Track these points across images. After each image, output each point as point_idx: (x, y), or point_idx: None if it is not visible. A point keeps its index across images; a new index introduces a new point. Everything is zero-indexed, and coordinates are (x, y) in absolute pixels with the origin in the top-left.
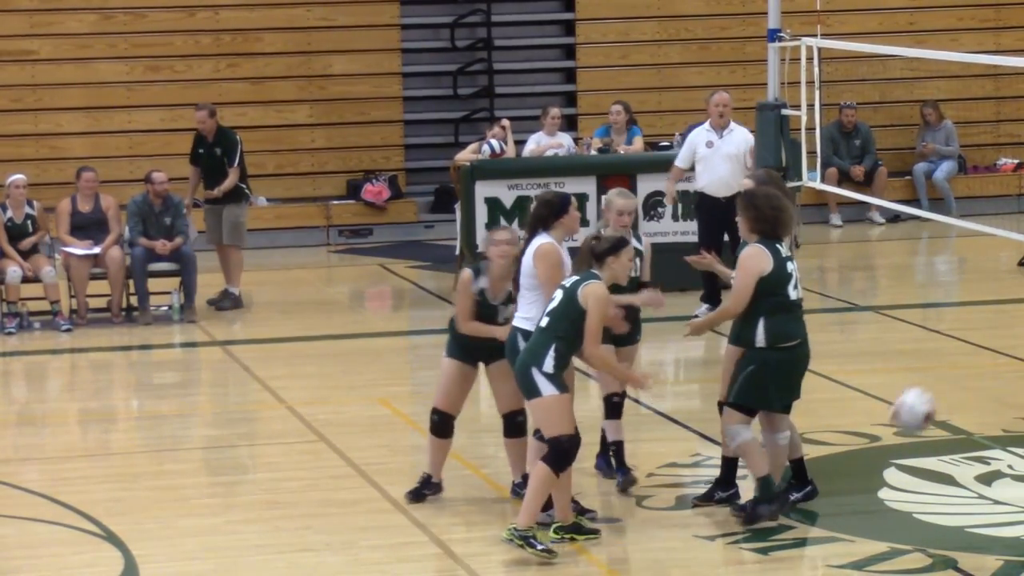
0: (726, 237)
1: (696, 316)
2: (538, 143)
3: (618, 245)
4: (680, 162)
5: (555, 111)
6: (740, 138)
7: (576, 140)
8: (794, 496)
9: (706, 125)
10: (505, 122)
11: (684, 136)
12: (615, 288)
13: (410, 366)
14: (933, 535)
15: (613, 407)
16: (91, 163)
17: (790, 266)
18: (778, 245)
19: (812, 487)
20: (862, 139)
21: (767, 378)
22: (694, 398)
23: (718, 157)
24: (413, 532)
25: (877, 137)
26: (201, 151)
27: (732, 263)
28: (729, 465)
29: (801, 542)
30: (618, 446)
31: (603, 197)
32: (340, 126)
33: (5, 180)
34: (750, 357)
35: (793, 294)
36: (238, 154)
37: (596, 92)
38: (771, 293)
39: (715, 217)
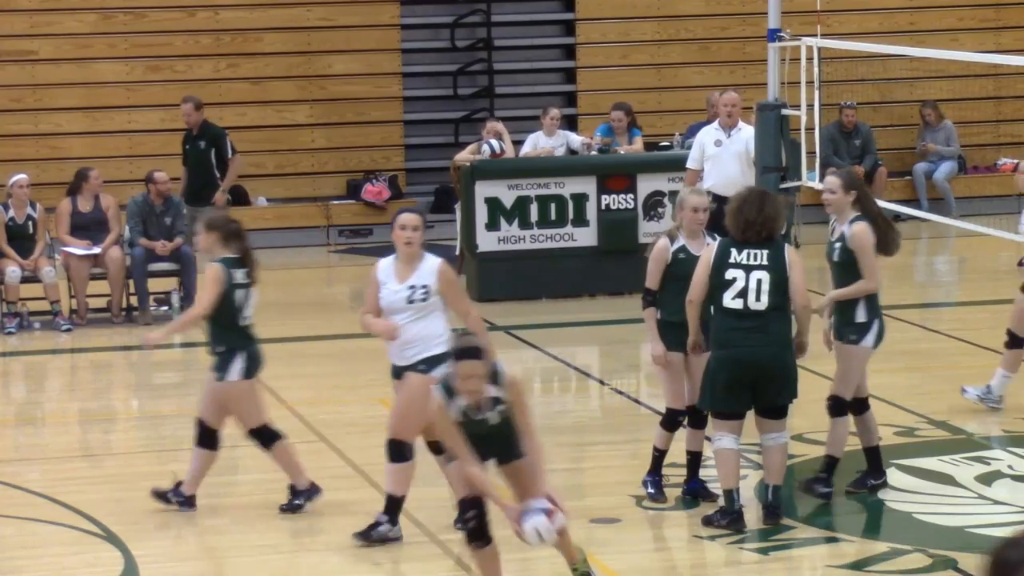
0: None
1: None
2: (534, 145)
3: (458, 355)
4: (692, 164)
5: (554, 112)
6: (747, 136)
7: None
8: (822, 490)
9: (714, 124)
10: (500, 126)
11: (685, 136)
12: (680, 293)
13: None
14: (933, 535)
15: (696, 419)
16: (91, 163)
17: (732, 273)
18: (732, 248)
19: (830, 489)
20: (862, 139)
21: (707, 378)
22: None
23: (727, 156)
24: (413, 532)
25: (877, 137)
26: (187, 147)
27: None
28: (872, 454)
29: (801, 542)
30: (694, 456)
31: (677, 198)
32: (340, 126)
33: (7, 180)
34: None
35: (732, 302)
36: (229, 146)
37: (596, 92)
38: (710, 295)
39: (723, 217)
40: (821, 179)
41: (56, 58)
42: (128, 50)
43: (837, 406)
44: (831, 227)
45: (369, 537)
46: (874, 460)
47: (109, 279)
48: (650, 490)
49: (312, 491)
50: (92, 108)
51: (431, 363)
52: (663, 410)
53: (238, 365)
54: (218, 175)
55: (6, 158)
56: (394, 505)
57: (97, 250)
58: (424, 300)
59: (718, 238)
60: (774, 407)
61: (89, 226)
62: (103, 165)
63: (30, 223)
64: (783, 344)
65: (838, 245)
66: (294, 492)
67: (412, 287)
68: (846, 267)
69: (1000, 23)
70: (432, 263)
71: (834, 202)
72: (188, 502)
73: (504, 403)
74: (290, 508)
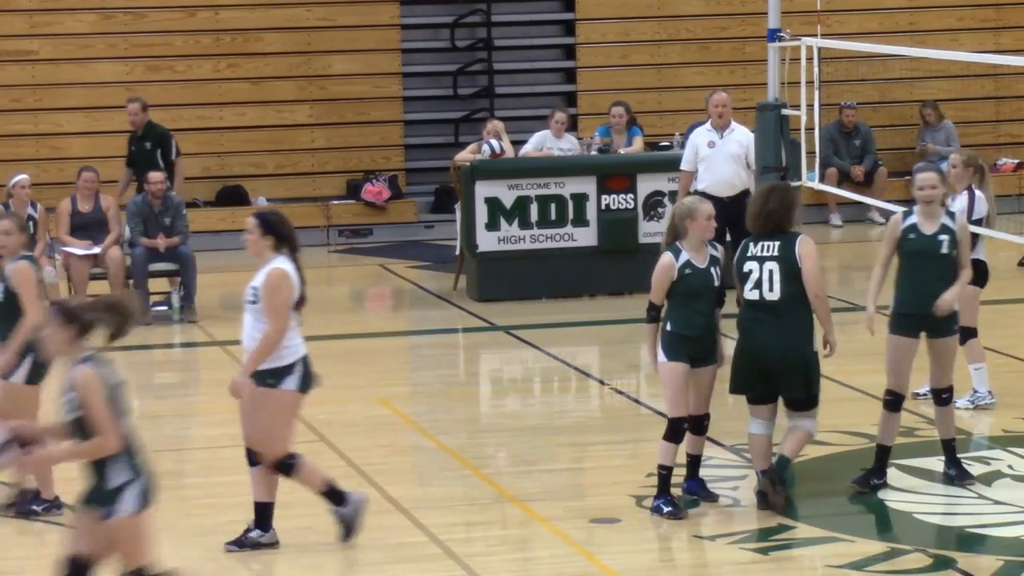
0: (728, 237)
1: None
2: (540, 144)
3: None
4: (686, 165)
5: (560, 115)
6: (741, 137)
7: (579, 139)
8: (874, 482)
9: (707, 125)
10: (499, 125)
11: (685, 136)
12: (688, 306)
13: (410, 366)
14: (933, 535)
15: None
16: (91, 163)
17: (749, 265)
18: (750, 242)
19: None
20: (862, 139)
21: (732, 362)
22: None
23: (720, 157)
24: (413, 532)
25: (877, 137)
26: (134, 149)
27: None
28: (884, 454)
29: (801, 542)
30: (694, 459)
31: (680, 208)
32: (340, 126)
33: (7, 180)
34: None
35: (750, 293)
36: (174, 148)
37: (596, 92)
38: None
39: (717, 218)
40: (821, 179)
41: (56, 58)
42: (128, 50)
43: (951, 395)
44: (902, 223)
45: (243, 544)
46: (883, 460)
47: (109, 279)
48: (667, 509)
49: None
50: (92, 108)
51: (276, 375)
52: (663, 410)
53: (24, 369)
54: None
55: (6, 158)
56: (264, 512)
57: (97, 250)
58: (253, 303)
59: (718, 247)
60: (791, 399)
61: (89, 226)
62: (103, 165)
63: (31, 223)
64: (796, 337)
65: (945, 238)
66: (32, 498)
67: (252, 288)
68: (952, 260)
69: (1000, 23)
70: (268, 267)
71: (936, 196)
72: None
73: (73, 396)
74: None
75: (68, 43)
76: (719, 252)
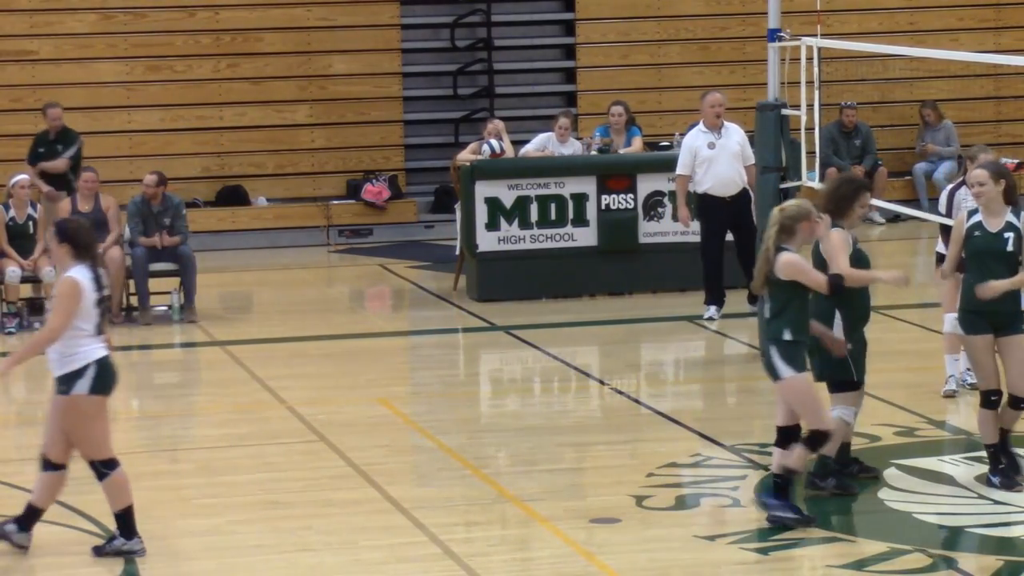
0: (730, 236)
1: (708, 318)
2: (539, 147)
3: None
4: (684, 170)
5: (565, 121)
6: (737, 135)
7: (578, 139)
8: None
9: (700, 127)
10: (500, 125)
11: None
12: (805, 311)
13: (410, 366)
14: (933, 535)
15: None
16: (91, 163)
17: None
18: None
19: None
20: (862, 139)
21: None
22: (694, 398)
23: (724, 157)
24: (413, 532)
25: (877, 137)
26: (42, 150)
27: (733, 263)
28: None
29: (801, 542)
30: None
31: (793, 210)
32: (340, 126)
33: (7, 180)
34: None
35: None
36: (76, 148)
37: (596, 92)
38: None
39: (720, 218)
40: (821, 179)
41: (56, 58)
42: (128, 50)
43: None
44: (967, 221)
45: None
46: (997, 457)
47: (109, 279)
48: (793, 516)
49: None
50: (92, 108)
51: (66, 381)
52: (663, 410)
53: None
54: (72, 178)
55: (6, 158)
56: (33, 515)
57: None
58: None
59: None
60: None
61: (89, 226)
62: (103, 165)
63: (30, 223)
64: (818, 319)
65: (1010, 235)
66: None
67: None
68: (1017, 257)
69: (1000, 23)
70: (64, 275)
71: (986, 193)
72: None
73: None
74: None
75: (68, 43)
76: None
